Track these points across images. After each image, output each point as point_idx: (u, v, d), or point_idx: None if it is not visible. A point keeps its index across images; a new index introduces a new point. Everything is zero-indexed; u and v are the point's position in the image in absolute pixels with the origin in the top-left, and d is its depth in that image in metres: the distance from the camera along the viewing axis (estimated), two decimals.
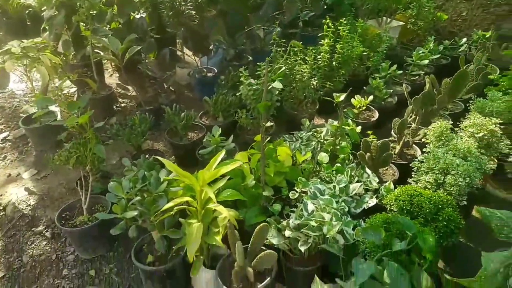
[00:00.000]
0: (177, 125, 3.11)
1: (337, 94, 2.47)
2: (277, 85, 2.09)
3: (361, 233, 1.79)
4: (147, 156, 2.65)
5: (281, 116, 3.40)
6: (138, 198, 2.00)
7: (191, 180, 1.95)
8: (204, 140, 2.90)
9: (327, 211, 1.99)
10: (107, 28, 3.89)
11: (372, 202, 2.24)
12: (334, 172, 2.38)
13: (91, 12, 3.39)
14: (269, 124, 2.84)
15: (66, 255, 2.51)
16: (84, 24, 3.67)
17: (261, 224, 1.88)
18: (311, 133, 2.86)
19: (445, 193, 2.06)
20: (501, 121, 2.49)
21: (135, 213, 1.96)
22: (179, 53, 4.67)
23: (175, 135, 3.17)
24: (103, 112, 3.60)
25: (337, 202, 2.07)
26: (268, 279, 1.85)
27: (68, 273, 2.39)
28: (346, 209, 2.10)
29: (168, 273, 2.06)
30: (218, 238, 1.97)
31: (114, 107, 3.94)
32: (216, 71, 4.20)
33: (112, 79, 4.56)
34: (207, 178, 1.93)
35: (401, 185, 2.18)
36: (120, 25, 4.03)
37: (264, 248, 1.95)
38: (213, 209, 2.02)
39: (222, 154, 2.07)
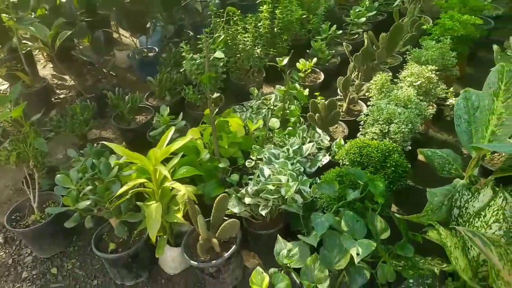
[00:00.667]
0: (123, 110, 3.00)
1: (280, 58, 2.48)
2: (219, 54, 2.05)
3: (316, 189, 1.84)
4: (94, 145, 2.55)
5: (229, 87, 3.37)
6: (89, 187, 1.92)
7: (142, 161, 1.90)
8: (153, 121, 2.82)
9: (283, 173, 2.02)
10: (33, 16, 3.61)
11: (326, 159, 2.31)
12: (286, 136, 2.42)
13: None
14: (216, 95, 2.80)
15: (23, 258, 2.40)
16: (7, 14, 3.38)
17: (220, 195, 1.89)
18: (260, 101, 2.87)
19: (391, 141, 2.17)
20: (436, 68, 2.63)
21: (88, 202, 1.90)
22: (115, 35, 4.45)
23: (122, 120, 3.06)
24: (40, 105, 3.38)
25: (292, 164, 2.11)
26: (234, 246, 1.88)
27: (29, 275, 2.29)
28: (302, 170, 2.15)
29: (133, 257, 2.03)
30: (179, 215, 1.96)
31: (52, 99, 3.72)
32: (157, 50, 4.06)
33: (46, 70, 4.29)
34: (159, 156, 1.90)
35: (350, 140, 2.26)
36: (46, 11, 3.76)
37: (226, 218, 1.96)
38: (170, 188, 2.00)
39: (171, 131, 2.03)
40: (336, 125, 2.72)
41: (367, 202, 1.81)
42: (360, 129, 2.40)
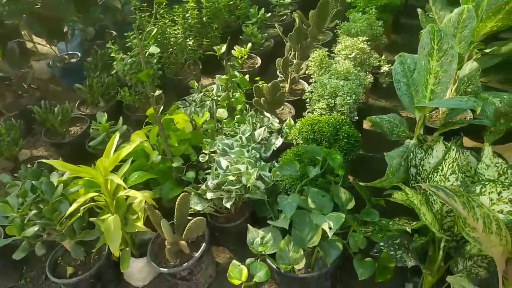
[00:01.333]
0: (53, 123, 2.76)
1: (218, 47, 2.42)
2: (154, 50, 1.94)
3: (278, 171, 1.83)
4: (28, 165, 2.32)
5: (167, 84, 3.24)
6: (34, 211, 1.74)
7: (90, 173, 1.76)
8: (91, 130, 2.63)
9: (241, 162, 1.99)
10: None
11: (279, 142, 2.31)
12: (236, 124, 2.37)
13: None
14: (158, 92, 2.68)
15: None
16: None
17: (181, 195, 1.81)
18: (202, 93, 2.78)
19: (339, 114, 2.22)
20: (367, 38, 2.72)
21: (36, 228, 1.72)
22: (29, 44, 4.07)
23: (55, 135, 2.82)
24: None
25: (247, 151, 2.08)
26: (203, 245, 1.82)
27: None
28: (258, 156, 2.13)
29: (96, 277, 1.89)
30: (140, 223, 1.85)
31: None
32: (79, 55, 3.78)
33: None
34: (108, 165, 1.76)
35: (300, 119, 2.28)
36: None
37: (190, 218, 1.89)
38: (125, 197, 1.88)
39: (116, 137, 1.90)
40: (282, 107, 2.73)
41: (328, 176, 1.83)
42: (307, 107, 2.43)
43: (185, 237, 1.81)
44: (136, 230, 1.83)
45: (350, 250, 1.65)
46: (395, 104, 3.00)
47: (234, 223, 1.97)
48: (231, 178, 1.88)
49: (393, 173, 1.57)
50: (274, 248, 1.66)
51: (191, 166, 2.31)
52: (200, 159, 2.27)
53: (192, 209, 1.92)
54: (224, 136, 2.36)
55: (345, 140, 2.04)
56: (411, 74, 1.95)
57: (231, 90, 2.59)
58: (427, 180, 1.42)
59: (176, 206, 1.82)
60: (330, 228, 1.50)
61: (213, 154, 2.27)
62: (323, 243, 1.64)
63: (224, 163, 1.99)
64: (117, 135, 1.92)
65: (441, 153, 1.49)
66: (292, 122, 2.39)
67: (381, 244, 1.59)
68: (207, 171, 2.15)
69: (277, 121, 2.47)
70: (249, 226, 1.73)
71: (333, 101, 2.27)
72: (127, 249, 1.93)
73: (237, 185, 1.87)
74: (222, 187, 1.86)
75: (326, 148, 2.02)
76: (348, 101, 2.22)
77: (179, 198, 1.81)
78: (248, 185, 1.87)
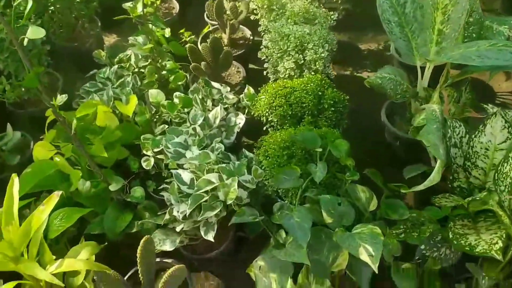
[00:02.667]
0: None
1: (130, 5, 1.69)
2: (35, 33, 1.18)
3: (275, 185, 1.35)
4: None
5: (59, 57, 2.39)
6: None
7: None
8: None
9: (207, 168, 1.45)
10: None
11: (241, 120, 1.78)
12: (181, 109, 1.76)
13: None
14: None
15: None
16: None
17: (143, 242, 1.26)
18: (116, 66, 2.05)
19: (313, 73, 1.73)
20: None
21: None
22: None
23: None
24: None
25: (212, 150, 1.53)
26: None
27: None
28: (223, 148, 1.60)
29: None
30: None
31: None
32: None
33: None
34: (17, 243, 1.11)
35: (264, 86, 1.75)
36: None
37: (159, 259, 1.38)
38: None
39: (15, 186, 1.22)
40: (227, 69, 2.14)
41: (332, 168, 1.40)
42: (266, 66, 1.88)
43: None
44: None
45: (385, 262, 1.29)
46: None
47: (218, 250, 1.49)
48: (205, 198, 1.36)
49: (442, 165, 1.16)
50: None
51: (128, 174, 1.70)
52: (144, 165, 1.68)
53: (156, 250, 1.40)
54: (166, 126, 1.76)
55: (332, 108, 1.59)
56: (402, 9, 1.50)
57: (159, 60, 1.91)
58: (495, 173, 1.06)
59: (138, 257, 1.27)
60: (371, 255, 1.11)
61: (159, 155, 1.68)
62: (352, 263, 1.26)
63: (186, 176, 1.44)
64: (15, 182, 1.23)
65: (498, 129, 1.12)
66: (252, 90, 1.85)
67: (423, 247, 1.26)
68: (167, 181, 1.58)
69: (228, 89, 1.90)
70: (256, 273, 1.26)
71: (301, 56, 1.75)
72: None
73: (216, 207, 1.35)
74: (200, 217, 1.33)
75: (309, 123, 1.56)
76: (322, 54, 1.72)
77: (140, 247, 1.26)
78: (229, 202, 1.37)
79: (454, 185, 1.21)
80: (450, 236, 1.11)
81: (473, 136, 1.17)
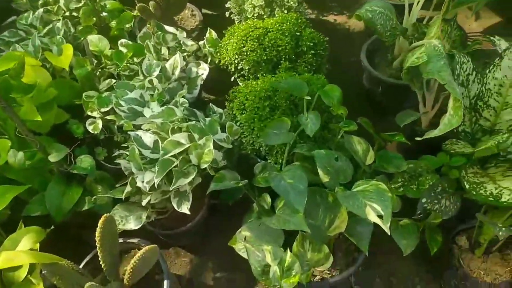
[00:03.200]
0: None
1: None
2: None
3: (263, 141, 1.14)
4: None
5: None
6: None
7: None
8: None
9: (172, 127, 1.20)
10: None
11: (204, 70, 1.52)
12: (131, 59, 1.45)
13: None
14: None
15: None
16: None
17: (102, 220, 1.01)
18: (42, 10, 1.66)
19: (286, 12, 1.50)
20: None
21: None
22: None
23: None
24: None
25: (176, 105, 1.27)
26: (167, 282, 1.12)
27: None
28: (187, 103, 1.35)
29: None
30: None
31: None
32: None
33: None
34: None
35: (229, 29, 1.50)
36: None
37: (122, 240, 1.15)
38: None
39: None
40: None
41: (321, 119, 1.21)
42: (227, 5, 1.61)
43: (128, 282, 1.08)
44: None
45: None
46: None
47: (191, 222, 1.28)
48: (174, 161, 1.12)
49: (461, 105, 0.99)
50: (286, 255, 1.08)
51: (71, 140, 1.40)
52: (89, 129, 1.38)
53: (119, 229, 1.15)
54: (113, 80, 1.45)
55: (312, 52, 1.39)
56: None
57: None
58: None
59: (97, 241, 1.02)
60: (380, 216, 0.96)
61: (107, 116, 1.39)
62: (350, 224, 1.11)
63: (147, 138, 1.18)
64: None
65: None
66: (214, 34, 1.57)
67: (424, 201, 1.14)
68: (121, 151, 1.30)
69: (185, 35, 1.61)
70: (247, 247, 1.06)
71: None
72: None
73: (189, 173, 1.12)
74: (172, 187, 1.09)
75: (287, 70, 1.35)
76: None
77: (99, 229, 1.01)
78: (203, 166, 1.15)
79: (459, 129, 1.09)
80: (467, 186, 0.99)
81: (487, 71, 1.03)
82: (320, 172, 1.07)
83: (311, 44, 1.38)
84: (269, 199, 1.20)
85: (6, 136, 1.31)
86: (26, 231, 1.03)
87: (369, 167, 1.17)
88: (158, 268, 1.16)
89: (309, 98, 1.15)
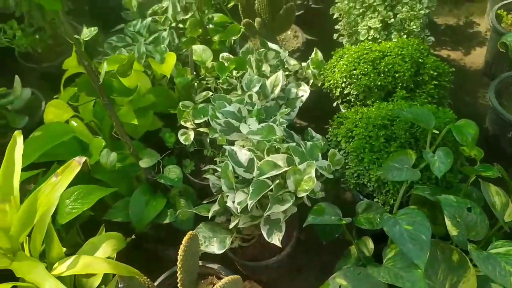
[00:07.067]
0: None
1: None
2: None
3: (381, 172, 0.98)
4: None
5: (78, 5, 2.04)
6: None
7: None
8: None
9: (273, 147, 1.09)
10: None
11: (305, 92, 1.40)
12: (231, 73, 1.39)
13: None
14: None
15: None
16: None
17: (186, 240, 0.91)
18: (150, 19, 1.68)
19: (405, 37, 1.35)
20: None
21: None
22: None
23: None
24: None
25: (275, 123, 1.16)
26: None
27: None
28: (286, 123, 1.24)
29: None
30: None
31: None
32: None
33: None
34: (16, 231, 0.77)
35: (337, 50, 1.38)
36: None
37: (201, 264, 1.03)
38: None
39: (18, 146, 0.87)
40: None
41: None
42: (337, 27, 1.51)
43: None
44: None
45: None
46: None
47: (276, 257, 1.13)
48: (268, 182, 0.99)
49: None
50: None
51: (162, 150, 1.35)
52: (181, 139, 1.32)
53: (200, 251, 1.04)
54: (210, 93, 1.39)
55: (434, 82, 1.21)
56: None
57: (205, 10, 1.54)
58: None
59: (179, 259, 0.92)
60: None
61: (200, 128, 1.32)
62: None
63: (243, 155, 1.07)
64: (18, 142, 0.88)
65: None
66: (320, 55, 1.47)
67: None
68: (214, 166, 1.21)
69: (287, 54, 1.52)
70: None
71: (391, 13, 1.36)
72: None
73: (286, 201, 0.99)
74: (266, 213, 0.96)
75: (404, 99, 1.18)
76: (420, 12, 1.34)
77: (183, 247, 0.90)
78: (301, 194, 1.01)
79: None
80: None
81: None
82: (447, 222, 0.88)
83: (435, 73, 1.21)
84: (371, 245, 1.03)
85: (101, 136, 1.30)
86: (107, 237, 0.96)
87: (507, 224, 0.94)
88: None
89: (436, 132, 0.97)
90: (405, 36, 1.34)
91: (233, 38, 1.52)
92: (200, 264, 1.06)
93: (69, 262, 0.81)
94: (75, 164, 0.83)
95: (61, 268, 0.80)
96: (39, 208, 0.77)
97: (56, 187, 0.79)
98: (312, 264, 1.25)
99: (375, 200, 1.06)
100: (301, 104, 1.40)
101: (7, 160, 0.83)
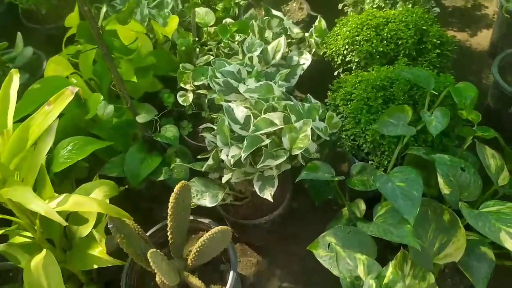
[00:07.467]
0: None
1: None
2: None
3: (377, 126, 0.96)
4: None
5: None
6: None
7: None
8: None
9: (270, 107, 1.08)
10: None
11: (307, 60, 1.39)
12: (234, 34, 1.38)
13: None
14: None
15: None
16: None
17: (178, 188, 0.91)
18: None
19: (411, 6, 1.33)
20: None
21: None
22: None
23: None
24: None
25: (275, 83, 1.16)
26: (231, 275, 0.97)
27: None
28: (285, 86, 1.23)
29: None
30: (99, 249, 0.94)
31: None
32: None
33: None
34: (5, 158, 0.77)
35: (340, 19, 1.36)
36: None
37: (193, 218, 1.03)
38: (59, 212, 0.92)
39: (14, 82, 0.87)
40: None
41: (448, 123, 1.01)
42: None
43: (192, 263, 0.95)
44: (95, 265, 0.93)
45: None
46: None
47: (268, 216, 1.13)
48: (265, 141, 0.99)
49: None
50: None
51: (165, 114, 1.35)
52: (180, 100, 1.32)
53: (193, 204, 1.05)
54: (212, 57, 1.38)
55: (437, 50, 1.19)
56: None
57: None
58: None
59: (170, 207, 0.92)
60: None
61: (199, 90, 1.32)
62: (466, 256, 0.89)
63: (240, 111, 1.07)
64: (14, 76, 0.88)
65: None
66: (324, 23, 1.45)
67: None
68: (209, 124, 1.21)
69: (291, 22, 1.51)
70: (338, 250, 0.89)
71: None
72: None
73: (279, 156, 0.98)
74: (259, 165, 0.96)
75: (407, 65, 1.17)
76: None
77: (174, 195, 0.91)
78: (295, 152, 1.00)
79: None
80: None
81: None
82: (440, 181, 0.87)
83: (438, 42, 1.19)
84: (363, 206, 1.03)
85: (99, 94, 1.30)
86: (99, 183, 0.97)
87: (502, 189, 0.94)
88: (224, 256, 1.03)
89: (435, 93, 0.96)
90: (410, 5, 1.32)
91: (238, 1, 1.50)
92: (192, 218, 1.06)
93: (59, 199, 0.81)
94: (68, 93, 0.83)
95: (51, 204, 0.80)
96: (31, 137, 0.77)
97: (48, 116, 0.79)
98: (304, 233, 1.25)
99: (370, 162, 1.06)
100: (302, 71, 1.39)
101: (2, 96, 0.83)
